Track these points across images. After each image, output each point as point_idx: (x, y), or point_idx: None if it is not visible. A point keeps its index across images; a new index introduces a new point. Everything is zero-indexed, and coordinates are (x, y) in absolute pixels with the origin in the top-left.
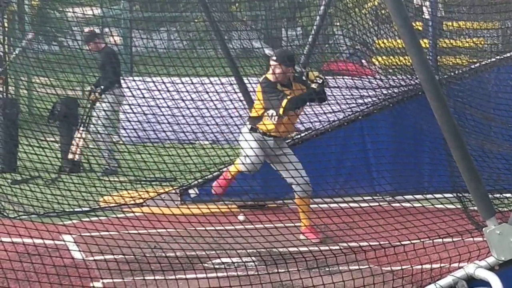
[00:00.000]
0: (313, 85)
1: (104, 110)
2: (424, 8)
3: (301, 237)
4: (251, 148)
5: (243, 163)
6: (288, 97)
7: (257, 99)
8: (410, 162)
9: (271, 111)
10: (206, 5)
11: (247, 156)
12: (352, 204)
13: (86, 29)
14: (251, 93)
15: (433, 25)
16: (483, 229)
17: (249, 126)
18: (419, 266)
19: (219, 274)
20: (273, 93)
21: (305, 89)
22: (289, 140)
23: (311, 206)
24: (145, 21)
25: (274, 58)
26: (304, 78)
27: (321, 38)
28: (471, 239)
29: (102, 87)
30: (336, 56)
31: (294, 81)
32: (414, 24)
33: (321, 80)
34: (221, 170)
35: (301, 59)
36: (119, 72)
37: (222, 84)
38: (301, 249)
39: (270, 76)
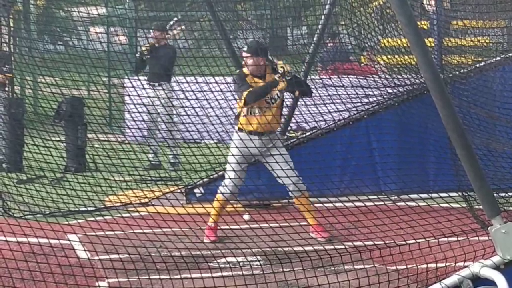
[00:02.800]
0: (276, 76)
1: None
2: (429, 7)
3: (312, 235)
4: (233, 155)
5: (224, 186)
6: (250, 88)
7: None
8: (415, 161)
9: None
10: (211, 4)
11: (232, 157)
12: (357, 203)
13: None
14: None
15: (438, 24)
16: (489, 228)
17: (236, 127)
18: (425, 265)
19: (225, 274)
20: (242, 86)
21: (284, 82)
22: (293, 139)
23: (315, 205)
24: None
25: (245, 49)
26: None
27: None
28: (477, 238)
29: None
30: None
31: (271, 73)
32: (419, 23)
33: (282, 70)
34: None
35: (306, 58)
36: (171, 70)
37: (227, 83)
38: (306, 248)
39: (244, 68)
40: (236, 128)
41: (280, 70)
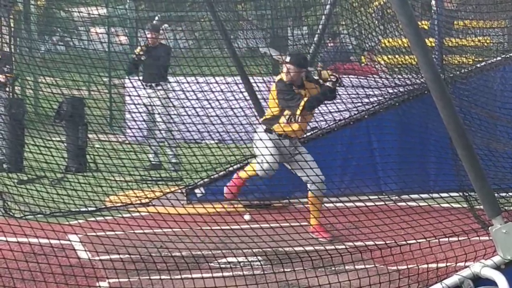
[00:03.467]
0: (328, 83)
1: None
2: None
3: (313, 235)
4: (267, 148)
5: (260, 167)
6: (305, 98)
7: (271, 99)
8: (416, 161)
9: (287, 112)
10: (211, 5)
11: (265, 158)
12: (358, 203)
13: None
14: (256, 93)
15: (438, 24)
16: (489, 228)
17: (264, 127)
18: (425, 265)
19: (225, 274)
20: (289, 94)
21: (318, 88)
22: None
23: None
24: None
25: (288, 60)
26: (316, 77)
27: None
28: (477, 238)
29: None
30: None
31: (306, 81)
32: (420, 23)
33: (335, 78)
34: (227, 170)
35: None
36: (167, 69)
37: (228, 83)
38: (307, 248)
39: (284, 76)
40: (262, 129)
41: (333, 79)
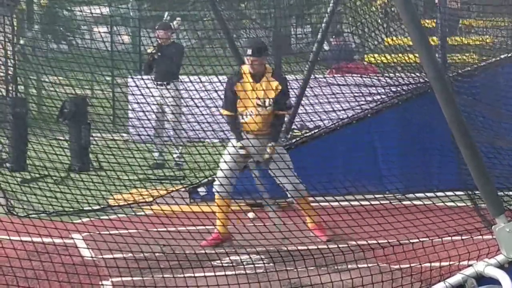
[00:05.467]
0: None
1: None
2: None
3: (314, 233)
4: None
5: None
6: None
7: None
8: (419, 159)
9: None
10: (214, 3)
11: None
12: (361, 202)
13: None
14: None
15: (442, 23)
16: (493, 226)
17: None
18: (428, 264)
19: (228, 272)
20: (226, 98)
21: (275, 92)
22: (297, 138)
23: (320, 204)
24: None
25: (248, 52)
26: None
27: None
28: (481, 237)
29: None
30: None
31: (270, 76)
32: (423, 22)
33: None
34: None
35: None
36: (179, 68)
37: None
38: (310, 247)
39: (244, 66)
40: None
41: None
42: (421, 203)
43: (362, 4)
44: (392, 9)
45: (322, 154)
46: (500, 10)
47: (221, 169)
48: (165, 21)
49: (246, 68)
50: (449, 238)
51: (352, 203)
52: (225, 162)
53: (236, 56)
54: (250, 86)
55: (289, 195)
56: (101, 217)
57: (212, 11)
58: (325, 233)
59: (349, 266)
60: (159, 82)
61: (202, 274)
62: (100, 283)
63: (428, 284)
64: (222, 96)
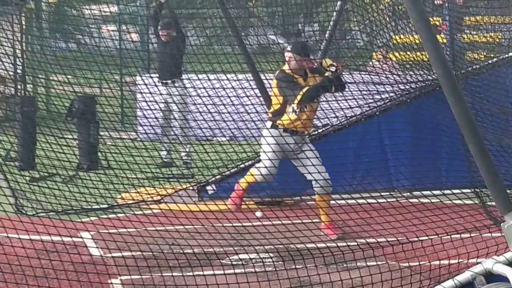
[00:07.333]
0: (327, 74)
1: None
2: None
3: (323, 232)
4: (268, 150)
5: (259, 172)
6: (304, 89)
7: (273, 94)
8: (427, 157)
9: (290, 105)
10: (222, 2)
11: (263, 163)
12: (369, 200)
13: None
14: (268, 90)
15: (450, 20)
16: (501, 224)
17: (269, 123)
18: (437, 262)
19: (237, 271)
20: (288, 84)
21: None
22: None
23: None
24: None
25: (288, 48)
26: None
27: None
28: (489, 234)
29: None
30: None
31: (311, 72)
32: (431, 19)
33: (334, 68)
34: (239, 167)
35: (318, 54)
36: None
37: (239, 80)
38: (319, 245)
39: (285, 67)
40: (268, 124)
41: (332, 68)
42: (431, 200)
43: (371, 2)
44: (400, 6)
45: (331, 153)
46: (507, 5)
47: (266, 157)
48: (165, 21)
49: (293, 66)
50: (458, 235)
51: (362, 201)
52: (270, 149)
53: (245, 54)
54: (303, 83)
55: (315, 190)
56: (110, 216)
57: (220, 9)
58: (336, 231)
59: (358, 264)
60: (163, 81)
61: (211, 272)
62: (109, 281)
63: (437, 281)
64: (279, 92)
